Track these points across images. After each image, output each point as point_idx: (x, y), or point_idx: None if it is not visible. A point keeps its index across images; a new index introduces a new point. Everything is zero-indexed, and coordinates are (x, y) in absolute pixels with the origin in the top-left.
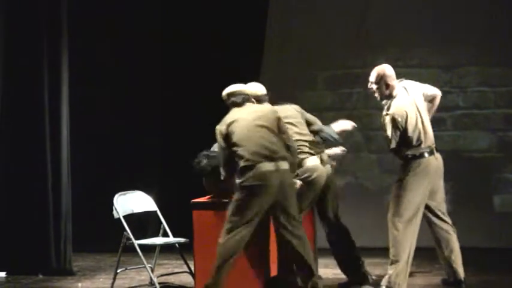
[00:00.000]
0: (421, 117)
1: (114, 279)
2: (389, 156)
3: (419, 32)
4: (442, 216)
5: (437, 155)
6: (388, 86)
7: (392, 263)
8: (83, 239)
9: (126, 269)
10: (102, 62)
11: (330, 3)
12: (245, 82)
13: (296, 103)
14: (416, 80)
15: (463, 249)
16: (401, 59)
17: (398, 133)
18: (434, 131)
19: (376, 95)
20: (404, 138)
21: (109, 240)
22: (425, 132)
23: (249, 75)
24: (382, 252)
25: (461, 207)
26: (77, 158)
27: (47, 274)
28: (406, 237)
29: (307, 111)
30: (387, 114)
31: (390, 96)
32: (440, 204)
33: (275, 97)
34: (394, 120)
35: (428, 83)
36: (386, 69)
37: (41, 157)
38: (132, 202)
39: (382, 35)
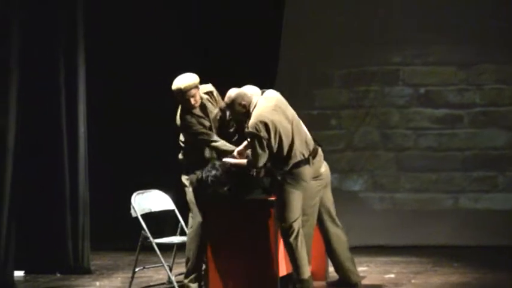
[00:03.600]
0: None
1: (132, 277)
2: (407, 154)
3: (436, 29)
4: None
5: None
6: None
7: None
8: (100, 237)
9: (144, 267)
10: (119, 59)
11: (346, 0)
12: (262, 81)
13: (313, 101)
14: (433, 78)
15: (484, 248)
16: (419, 57)
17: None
18: (450, 128)
19: None
20: None
21: (127, 239)
22: None
23: (266, 74)
24: (403, 250)
25: (479, 204)
26: (95, 156)
27: (65, 273)
28: None
29: (324, 109)
30: None
31: None
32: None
33: (292, 95)
34: None
35: (445, 81)
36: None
37: (59, 156)
38: (149, 201)
39: (399, 33)
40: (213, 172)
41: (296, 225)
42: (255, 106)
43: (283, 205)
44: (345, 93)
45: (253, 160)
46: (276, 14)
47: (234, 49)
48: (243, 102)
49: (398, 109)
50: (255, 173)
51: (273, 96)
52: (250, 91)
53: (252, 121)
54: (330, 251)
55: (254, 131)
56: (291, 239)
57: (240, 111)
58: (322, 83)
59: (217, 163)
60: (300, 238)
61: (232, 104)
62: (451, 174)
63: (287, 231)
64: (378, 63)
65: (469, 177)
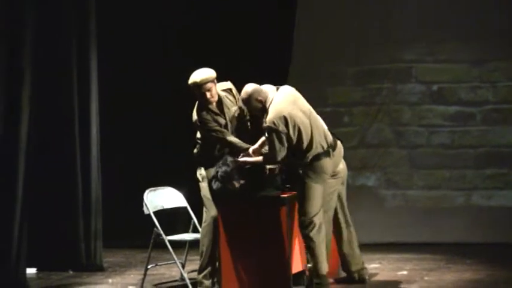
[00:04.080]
0: None
1: (145, 275)
2: (419, 152)
3: (448, 26)
4: None
5: None
6: None
7: None
8: (113, 235)
9: (156, 265)
10: (132, 56)
11: None
12: (274, 79)
13: (326, 98)
14: (445, 75)
15: (496, 245)
16: (431, 54)
17: None
18: (463, 125)
19: None
20: None
21: (139, 236)
22: None
23: (278, 72)
24: (416, 247)
25: (492, 201)
26: (107, 153)
27: (77, 270)
28: None
29: (337, 106)
30: None
31: None
32: None
33: (305, 93)
34: None
35: (458, 78)
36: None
37: (71, 155)
38: (162, 198)
39: (412, 30)
40: (224, 168)
41: (317, 219)
42: (271, 102)
43: (304, 199)
44: (358, 91)
45: (272, 155)
46: (288, 12)
47: (247, 47)
48: (260, 98)
49: (410, 106)
50: (268, 171)
51: (288, 91)
52: (266, 87)
53: (270, 116)
54: (340, 247)
55: (272, 125)
56: (312, 233)
57: (257, 106)
58: (335, 80)
59: (229, 159)
60: (320, 232)
61: (249, 99)
62: (464, 171)
63: (308, 225)
64: (391, 60)
65: (481, 174)
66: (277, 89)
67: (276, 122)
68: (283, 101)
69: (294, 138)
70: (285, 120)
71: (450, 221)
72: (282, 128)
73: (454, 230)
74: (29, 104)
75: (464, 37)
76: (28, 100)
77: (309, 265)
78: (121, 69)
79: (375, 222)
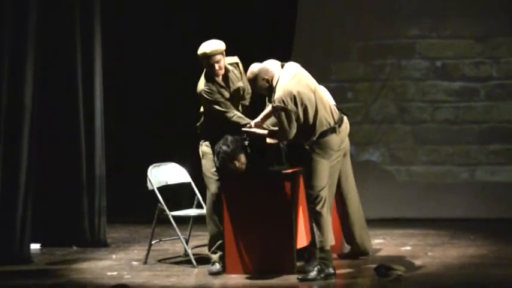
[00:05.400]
0: None
1: (149, 250)
2: (423, 127)
3: (452, 2)
4: None
5: None
6: None
7: None
8: (117, 210)
9: (160, 240)
10: (135, 37)
11: None
12: (278, 53)
13: (329, 74)
14: (449, 51)
15: (500, 220)
16: (435, 30)
17: None
18: (467, 101)
19: None
20: None
21: (143, 212)
22: None
23: (282, 46)
24: (420, 223)
25: (496, 176)
26: (111, 128)
27: (81, 246)
28: None
29: (341, 82)
30: None
31: None
32: None
33: (309, 68)
34: None
35: (462, 54)
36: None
37: (75, 128)
38: (166, 174)
39: (415, 6)
40: (224, 148)
41: (323, 194)
42: (277, 80)
43: (310, 174)
44: (362, 66)
45: (283, 133)
46: None
47: (251, 22)
48: (266, 77)
49: (414, 82)
50: (271, 146)
51: (295, 69)
52: (271, 65)
53: (278, 95)
54: (345, 219)
55: (281, 104)
56: (318, 207)
57: (263, 85)
58: (339, 56)
59: (229, 138)
60: (326, 207)
61: (255, 79)
62: (468, 147)
63: (314, 200)
64: (395, 36)
65: (485, 150)
66: (282, 65)
67: (285, 101)
68: (290, 79)
69: (302, 116)
70: (294, 98)
71: (454, 197)
72: (291, 106)
73: (457, 205)
74: (32, 76)
75: (469, 13)
76: (31, 71)
77: (319, 239)
78: (124, 37)
79: (379, 198)
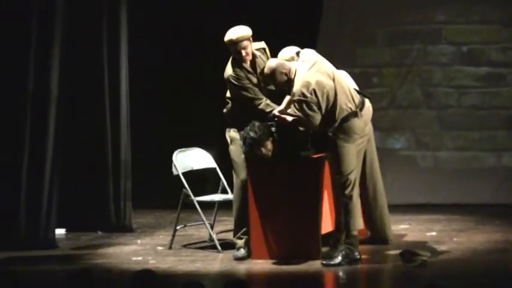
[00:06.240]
0: None
1: (174, 236)
2: (449, 113)
3: None
4: None
5: None
6: None
7: None
8: (142, 196)
9: (185, 225)
10: (162, 21)
11: None
12: (303, 40)
13: (355, 59)
14: (476, 36)
15: None
16: (462, 15)
17: None
18: (493, 86)
19: None
20: None
21: (168, 197)
22: None
23: (308, 32)
24: (445, 208)
25: None
26: (137, 114)
27: (106, 231)
28: None
29: (366, 67)
30: None
31: None
32: None
33: (335, 54)
34: None
35: (489, 39)
36: None
37: (100, 114)
38: (191, 159)
39: None
40: (251, 134)
41: (352, 177)
42: (295, 72)
43: (337, 159)
44: (388, 52)
45: (309, 123)
46: None
47: (277, 8)
48: (284, 71)
49: (441, 67)
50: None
51: (310, 57)
52: (287, 53)
53: (297, 87)
54: (368, 205)
55: (302, 97)
56: (347, 191)
57: (282, 79)
58: (365, 41)
59: (256, 124)
60: (355, 190)
61: (273, 74)
62: (494, 132)
63: (343, 184)
64: (421, 21)
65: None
66: (298, 53)
67: (304, 93)
68: (309, 70)
69: (323, 105)
70: (314, 91)
71: (480, 182)
72: (310, 97)
73: (483, 191)
74: (58, 64)
75: None
76: (58, 60)
77: (348, 223)
78: (152, 30)
79: (405, 184)
